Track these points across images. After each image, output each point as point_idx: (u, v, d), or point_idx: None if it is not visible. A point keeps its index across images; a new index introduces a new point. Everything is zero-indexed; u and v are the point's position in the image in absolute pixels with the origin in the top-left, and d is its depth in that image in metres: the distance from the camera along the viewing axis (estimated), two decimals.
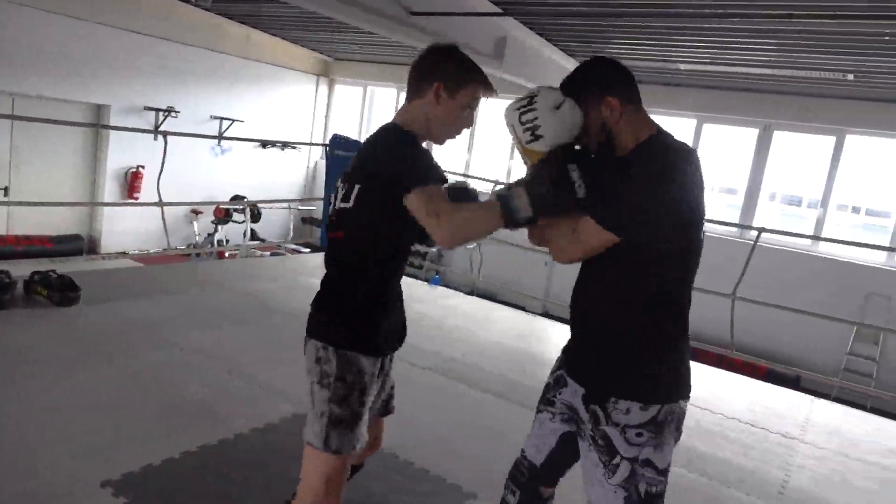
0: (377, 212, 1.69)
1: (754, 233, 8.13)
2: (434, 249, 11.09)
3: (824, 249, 8.47)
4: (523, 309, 9.46)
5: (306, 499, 1.77)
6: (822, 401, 4.58)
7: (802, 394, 4.64)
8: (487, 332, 5.02)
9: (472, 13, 6.69)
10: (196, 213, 10.21)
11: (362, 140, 6.35)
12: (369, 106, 12.67)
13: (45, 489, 2.27)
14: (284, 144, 11.38)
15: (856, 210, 9.44)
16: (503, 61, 7.89)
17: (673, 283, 1.62)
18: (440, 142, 1.83)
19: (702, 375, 4.70)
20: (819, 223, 8.54)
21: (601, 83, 1.68)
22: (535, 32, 7.88)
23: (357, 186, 1.71)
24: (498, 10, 6.93)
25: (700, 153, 1.68)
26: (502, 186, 1.67)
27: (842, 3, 5.15)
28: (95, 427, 2.74)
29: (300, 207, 11.48)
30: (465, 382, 3.88)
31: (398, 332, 1.92)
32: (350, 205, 1.71)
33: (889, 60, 6.66)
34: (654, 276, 1.59)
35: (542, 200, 1.54)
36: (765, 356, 8.33)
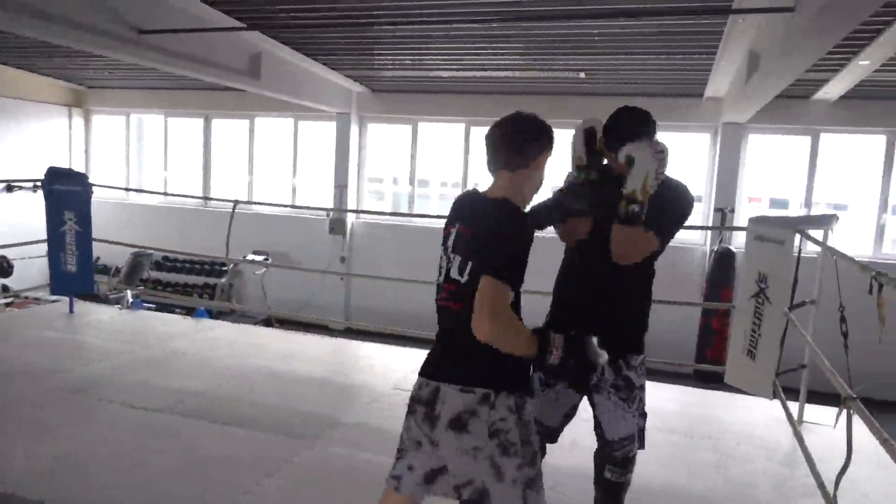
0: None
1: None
2: (223, 280, 10.50)
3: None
4: (326, 328, 9.30)
5: None
6: None
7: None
8: (251, 357, 4.75)
9: (211, 29, 6.38)
10: None
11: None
12: (137, 135, 11.71)
13: None
14: (35, 185, 10.11)
15: None
16: (260, 78, 7.67)
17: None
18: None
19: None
20: None
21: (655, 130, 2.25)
22: (290, 47, 7.75)
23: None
24: (241, 24, 6.69)
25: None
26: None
27: (566, 7, 5.64)
28: None
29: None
30: (206, 419, 3.59)
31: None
32: (463, 280, 1.74)
33: (608, 59, 7.46)
34: (653, 266, 2.29)
35: None
36: None
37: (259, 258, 9.88)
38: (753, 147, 8.84)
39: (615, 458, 2.26)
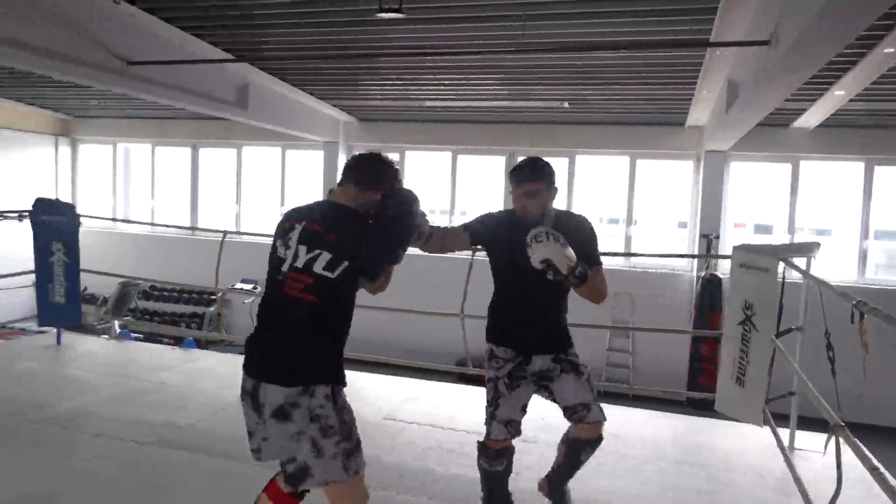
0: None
1: None
2: (211, 309, 10.43)
3: None
4: None
5: None
6: None
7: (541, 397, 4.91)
8: (238, 390, 4.70)
9: (198, 60, 6.45)
10: None
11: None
12: (124, 165, 11.70)
13: None
14: (21, 215, 10.04)
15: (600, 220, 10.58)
16: (248, 108, 7.72)
17: None
18: None
19: (452, 395, 4.82)
20: None
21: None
22: (277, 78, 7.83)
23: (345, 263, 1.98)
24: (230, 56, 6.77)
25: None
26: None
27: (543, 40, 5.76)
28: None
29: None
30: (194, 451, 3.54)
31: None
32: (333, 275, 1.96)
33: (592, 89, 7.61)
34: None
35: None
36: None
37: (248, 286, 9.82)
38: (736, 174, 9.00)
39: (584, 418, 2.63)
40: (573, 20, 5.38)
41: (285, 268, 1.99)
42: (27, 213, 5.33)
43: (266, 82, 7.84)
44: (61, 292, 5.05)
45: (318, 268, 1.95)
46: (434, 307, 5.62)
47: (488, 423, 2.66)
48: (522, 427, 2.71)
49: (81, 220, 5.30)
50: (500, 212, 2.79)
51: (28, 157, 10.90)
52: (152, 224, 10.31)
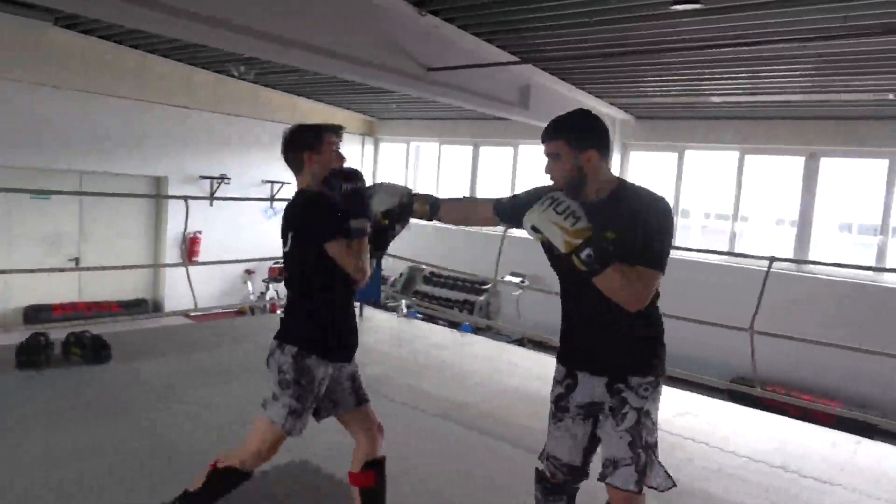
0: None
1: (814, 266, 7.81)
2: (481, 298, 11.09)
3: (889, 279, 7.93)
4: None
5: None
6: (871, 441, 4.23)
7: (847, 434, 4.29)
8: (507, 376, 4.95)
9: (488, 64, 6.86)
10: (249, 272, 10.65)
11: None
12: (414, 160, 13.02)
13: None
14: None
15: None
16: (529, 108, 8.01)
17: None
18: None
19: (728, 414, 4.45)
20: (880, 250, 8.04)
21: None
22: (558, 78, 7.97)
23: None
24: (515, 59, 7.08)
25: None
26: None
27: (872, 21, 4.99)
28: (95, 477, 2.88)
29: None
30: (476, 429, 3.82)
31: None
32: (287, 248, 2.31)
33: None
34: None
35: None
36: (840, 398, 7.79)
37: (516, 280, 10.24)
38: None
39: (605, 478, 1.96)
40: None
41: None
42: None
43: (547, 82, 8.04)
44: None
45: (285, 249, 2.30)
46: (712, 316, 5.19)
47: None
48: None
49: None
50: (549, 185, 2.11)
51: None
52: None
